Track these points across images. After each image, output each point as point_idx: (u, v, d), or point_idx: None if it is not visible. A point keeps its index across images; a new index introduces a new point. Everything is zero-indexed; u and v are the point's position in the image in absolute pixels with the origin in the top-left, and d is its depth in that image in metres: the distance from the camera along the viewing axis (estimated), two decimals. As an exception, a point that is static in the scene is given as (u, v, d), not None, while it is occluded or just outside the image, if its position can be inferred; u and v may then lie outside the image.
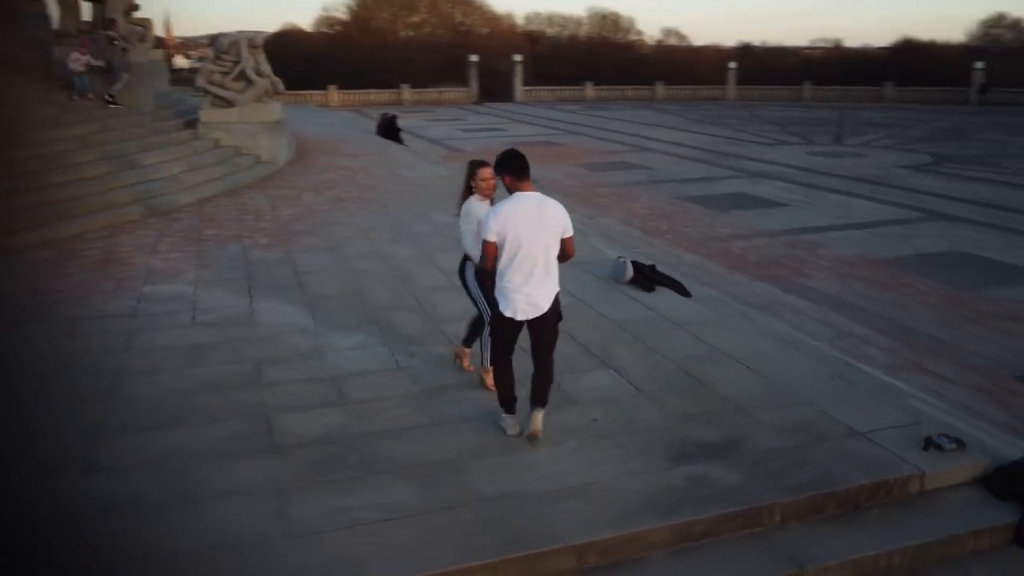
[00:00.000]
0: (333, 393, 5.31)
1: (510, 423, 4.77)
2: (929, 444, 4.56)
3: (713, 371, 5.65)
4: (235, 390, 5.33)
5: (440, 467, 4.38)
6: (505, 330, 4.64)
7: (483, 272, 4.84)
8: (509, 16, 59.38)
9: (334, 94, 41.66)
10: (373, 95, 42.18)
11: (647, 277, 7.72)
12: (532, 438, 4.61)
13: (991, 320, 9.01)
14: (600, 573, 3.73)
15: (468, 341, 5.62)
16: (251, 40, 15.05)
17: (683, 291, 7.67)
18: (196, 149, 14.25)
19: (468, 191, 5.11)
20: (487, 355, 5.22)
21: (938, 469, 4.40)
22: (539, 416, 4.63)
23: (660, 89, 47.87)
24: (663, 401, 5.16)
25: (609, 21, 59.03)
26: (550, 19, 59.54)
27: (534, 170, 4.52)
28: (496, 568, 3.59)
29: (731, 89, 48.09)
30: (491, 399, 5.02)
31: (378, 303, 7.25)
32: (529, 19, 59.02)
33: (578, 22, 59.23)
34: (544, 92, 46.61)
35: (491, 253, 4.42)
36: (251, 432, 4.75)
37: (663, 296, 7.52)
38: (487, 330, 5.16)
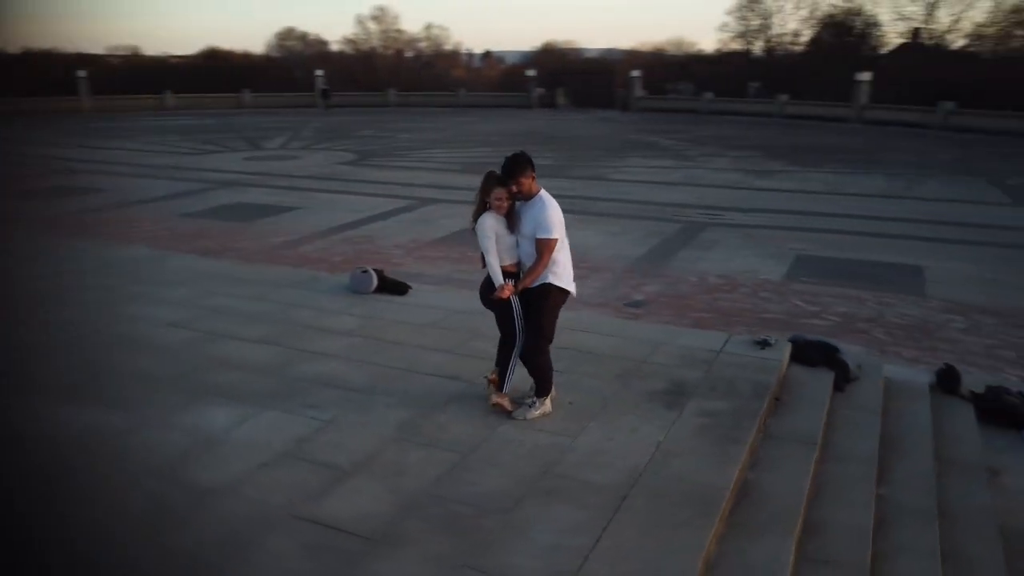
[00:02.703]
0: (320, 469, 4.41)
1: (548, 403, 5.10)
2: (765, 344, 6.31)
3: (573, 340, 6.39)
4: (206, 504, 4.00)
5: (548, 480, 4.31)
6: (559, 310, 5.11)
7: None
8: None
9: None
10: None
11: (390, 283, 7.77)
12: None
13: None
14: (736, 499, 4.40)
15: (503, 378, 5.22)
16: None
17: (404, 289, 7.88)
18: None
19: (484, 206, 4.87)
20: (510, 379, 5.15)
21: (781, 358, 6.17)
22: None
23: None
24: (591, 373, 5.77)
25: None
26: None
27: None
28: (719, 528, 3.98)
29: (86, 99, 44.14)
30: (475, 409, 5.14)
31: (169, 374, 5.75)
32: None
33: None
34: None
35: (552, 250, 4.82)
36: (315, 541, 3.77)
37: (412, 297, 7.73)
38: (518, 352, 5.07)
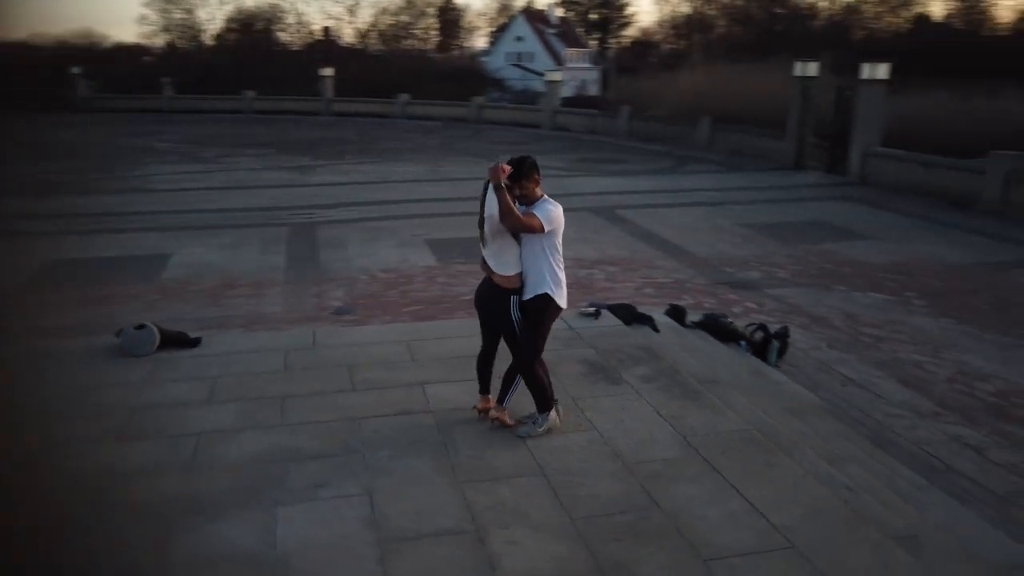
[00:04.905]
0: (445, 540, 3.85)
1: (554, 416, 5.03)
2: (597, 314, 7.14)
3: (451, 349, 6.32)
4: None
5: (639, 468, 4.54)
6: (551, 324, 4.98)
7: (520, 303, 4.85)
8: None
9: None
10: None
11: (173, 336, 6.33)
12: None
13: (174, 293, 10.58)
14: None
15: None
16: None
17: (194, 341, 6.60)
18: None
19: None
20: (513, 392, 4.99)
21: (618, 322, 7.10)
22: None
23: None
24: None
25: None
26: None
27: None
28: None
29: None
30: (481, 437, 4.99)
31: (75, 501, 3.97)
32: None
33: None
34: None
35: (534, 227, 4.69)
36: None
37: (209, 346, 6.48)
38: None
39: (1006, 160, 15.82)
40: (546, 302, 4.84)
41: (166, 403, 5.32)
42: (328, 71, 37.49)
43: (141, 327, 6.16)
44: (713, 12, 74.70)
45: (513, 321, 4.86)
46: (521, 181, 4.70)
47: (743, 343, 8.33)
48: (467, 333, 6.63)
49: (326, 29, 61.54)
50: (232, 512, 4.03)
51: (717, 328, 8.47)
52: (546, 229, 4.73)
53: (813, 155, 21.48)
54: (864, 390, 7.51)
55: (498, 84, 58.58)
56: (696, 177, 20.80)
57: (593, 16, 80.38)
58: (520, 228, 4.69)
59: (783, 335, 8.41)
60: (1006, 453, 6.28)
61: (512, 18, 75.10)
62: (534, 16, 72.58)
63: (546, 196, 4.84)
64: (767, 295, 10.56)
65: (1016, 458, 6.18)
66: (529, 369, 4.94)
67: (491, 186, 4.61)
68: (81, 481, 4.00)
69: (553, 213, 4.76)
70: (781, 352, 8.26)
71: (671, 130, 26.51)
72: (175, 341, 6.30)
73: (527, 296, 4.84)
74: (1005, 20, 66.24)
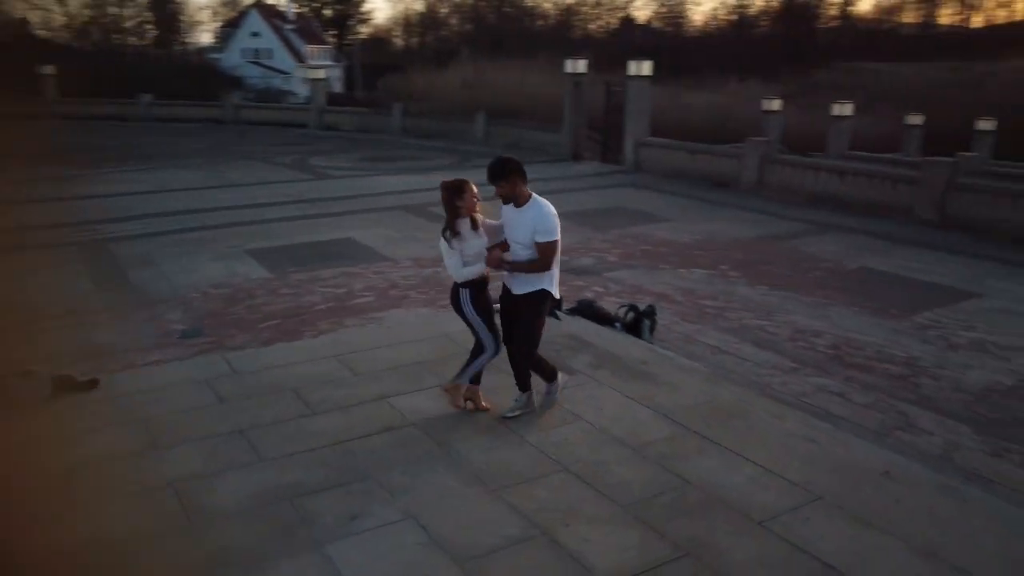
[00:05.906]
0: (519, 547, 3.76)
1: (561, 377, 5.30)
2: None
3: (399, 357, 6.08)
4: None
5: (647, 450, 4.73)
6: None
7: (478, 297, 4.89)
8: None
9: None
10: None
11: (66, 381, 5.41)
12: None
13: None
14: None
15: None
16: None
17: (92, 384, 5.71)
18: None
19: (456, 213, 4.66)
20: (469, 372, 5.03)
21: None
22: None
23: None
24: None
25: None
26: None
27: None
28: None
29: None
30: (482, 440, 4.90)
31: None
32: None
33: None
34: None
35: (555, 255, 4.90)
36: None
37: (115, 386, 5.63)
38: (483, 355, 4.93)
39: (759, 146, 18.11)
40: (544, 296, 4.95)
41: (108, 456, 4.58)
42: (49, 69, 33.17)
43: (27, 373, 5.21)
44: (445, 10, 76.67)
45: (466, 314, 4.94)
46: (500, 182, 4.79)
47: (617, 324, 8.84)
48: (392, 341, 6.47)
49: (23, 20, 54.40)
50: (275, 562, 3.63)
51: (592, 312, 8.90)
52: (558, 236, 4.88)
53: (587, 146, 22.98)
54: (732, 356, 8.32)
55: (237, 83, 55.55)
56: (484, 171, 21.34)
57: (328, 12, 78.80)
58: (550, 266, 4.84)
59: (651, 313, 9.04)
60: (861, 395, 7.30)
61: (243, 13, 71.31)
62: (269, 12, 69.63)
63: (534, 195, 4.88)
64: (607, 278, 11.23)
65: (869, 398, 7.21)
66: (530, 357, 5.03)
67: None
68: (74, 564, 3.45)
69: (554, 220, 4.86)
70: (651, 329, 8.88)
71: (447, 126, 26.93)
72: (69, 386, 5.41)
73: (521, 291, 4.87)
74: (698, 23, 75.25)
